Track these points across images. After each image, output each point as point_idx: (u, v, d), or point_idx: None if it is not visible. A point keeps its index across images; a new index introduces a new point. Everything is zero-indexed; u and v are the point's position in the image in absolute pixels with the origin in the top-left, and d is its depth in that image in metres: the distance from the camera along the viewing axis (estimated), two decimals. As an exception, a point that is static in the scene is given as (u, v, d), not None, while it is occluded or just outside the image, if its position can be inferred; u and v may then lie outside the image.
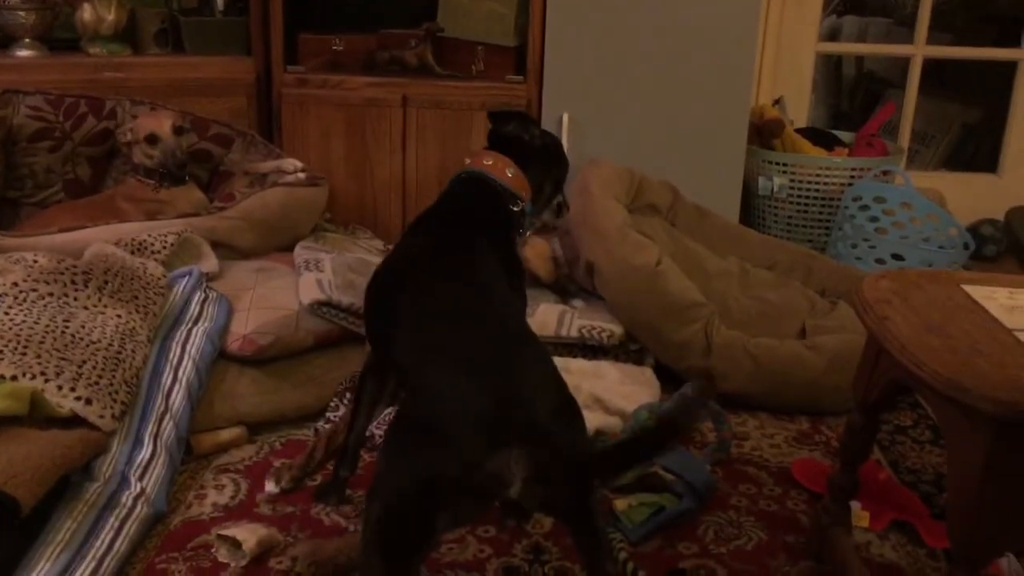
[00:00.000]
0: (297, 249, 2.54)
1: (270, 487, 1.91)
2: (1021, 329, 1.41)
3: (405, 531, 1.26)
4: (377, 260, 2.50)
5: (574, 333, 2.37)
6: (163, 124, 2.60)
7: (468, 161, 1.81)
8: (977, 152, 4.10)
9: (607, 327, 2.37)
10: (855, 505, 1.80)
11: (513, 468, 1.23)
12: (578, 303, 2.51)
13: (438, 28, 3.12)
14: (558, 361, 2.21)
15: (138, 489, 1.76)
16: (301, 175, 2.74)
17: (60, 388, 1.75)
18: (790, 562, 1.75)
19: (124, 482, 1.76)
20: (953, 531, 1.33)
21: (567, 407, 1.34)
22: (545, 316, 2.42)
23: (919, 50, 3.64)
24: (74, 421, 1.76)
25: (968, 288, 1.57)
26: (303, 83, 3.05)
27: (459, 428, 1.25)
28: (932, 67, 3.78)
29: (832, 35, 4.72)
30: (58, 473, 1.64)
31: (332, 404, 2.20)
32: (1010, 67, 3.67)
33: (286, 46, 3.07)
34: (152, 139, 2.59)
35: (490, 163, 1.78)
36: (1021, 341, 1.37)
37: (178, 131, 2.62)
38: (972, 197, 3.55)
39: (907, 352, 1.34)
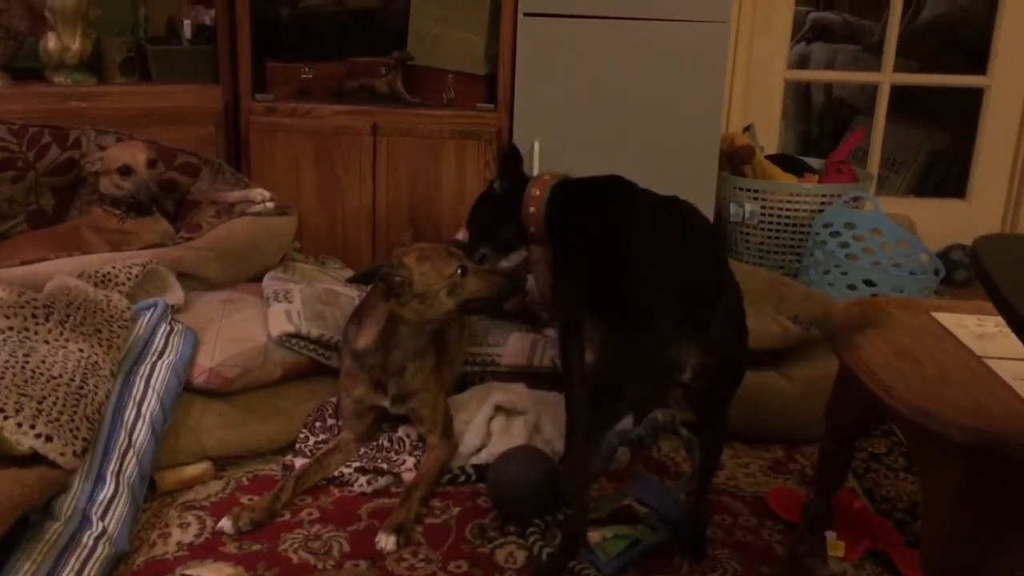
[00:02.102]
0: (265, 280, 2.51)
1: (227, 526, 1.86)
2: (991, 356, 1.41)
3: (607, 393, 1.67)
4: (348, 292, 2.49)
5: (547, 363, 2.35)
6: (137, 156, 2.57)
7: (547, 177, 2.19)
8: (945, 178, 4.14)
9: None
10: (830, 535, 1.78)
11: (689, 358, 1.58)
12: (551, 332, 2.49)
13: (408, 56, 3.11)
14: (529, 392, 2.20)
15: (100, 528, 1.71)
16: (269, 204, 2.71)
17: (20, 425, 1.70)
18: (765, 594, 1.73)
19: (85, 521, 1.71)
20: (927, 559, 1.31)
21: (740, 326, 1.68)
22: (517, 346, 2.40)
23: (886, 77, 3.68)
24: (34, 459, 1.71)
25: (938, 315, 1.57)
26: (272, 111, 3.03)
27: (658, 322, 1.61)
28: (900, 94, 3.82)
29: (801, 63, 4.76)
30: (17, 513, 1.59)
31: (301, 436, 2.17)
32: (976, 94, 3.71)
33: (255, 74, 3.05)
34: (125, 171, 2.55)
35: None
36: (991, 368, 1.37)
37: (151, 163, 2.59)
38: (941, 223, 3.58)
39: (877, 379, 1.34)
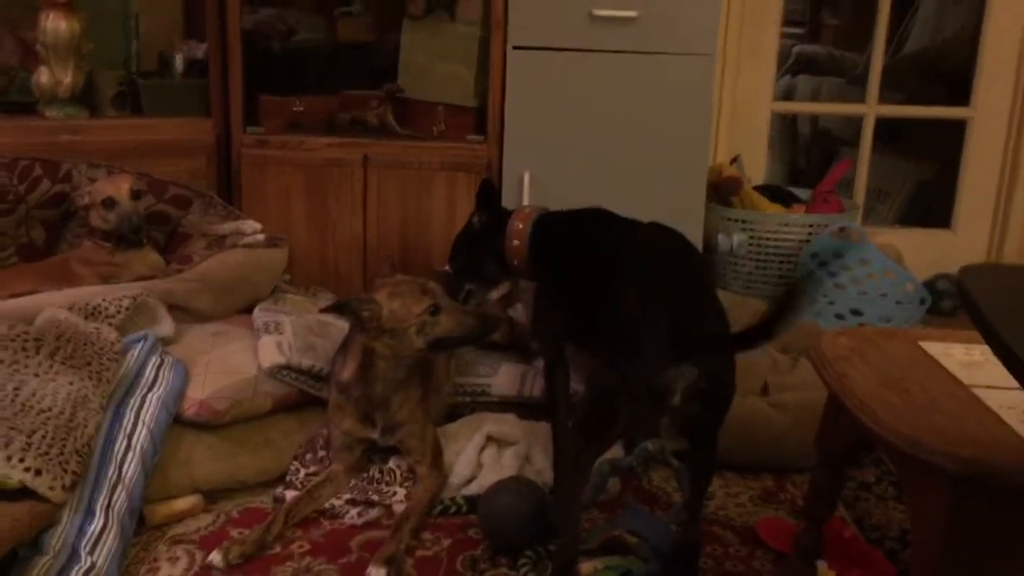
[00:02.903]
0: (256, 311, 2.51)
1: (217, 560, 1.85)
2: (978, 385, 1.42)
3: (598, 418, 1.70)
4: (338, 323, 2.48)
5: (537, 393, 2.36)
6: (120, 188, 2.58)
7: (529, 210, 2.22)
8: (931, 208, 4.18)
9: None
10: (821, 564, 1.78)
11: (679, 380, 1.61)
12: (541, 363, 2.50)
13: (398, 89, 3.14)
14: (520, 423, 2.20)
15: (88, 563, 1.70)
16: (260, 236, 2.72)
17: (9, 459, 1.70)
18: (757, 624, 1.73)
19: (74, 556, 1.70)
20: (918, 589, 1.32)
21: (728, 359, 1.70)
22: (508, 376, 2.41)
23: (871, 109, 3.72)
24: (23, 492, 1.70)
25: (925, 345, 1.58)
26: (263, 144, 3.05)
27: (647, 345, 1.63)
28: (885, 125, 3.86)
29: (787, 95, 4.81)
30: (6, 547, 1.59)
31: (292, 468, 2.16)
32: (960, 124, 3.75)
33: (246, 108, 3.07)
34: (109, 203, 2.56)
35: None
36: (978, 397, 1.38)
37: (135, 195, 2.59)
38: (927, 252, 3.60)
39: (866, 409, 1.35)
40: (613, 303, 1.79)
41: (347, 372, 2.05)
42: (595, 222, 2.12)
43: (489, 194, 2.30)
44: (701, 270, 1.95)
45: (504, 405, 2.38)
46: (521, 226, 2.18)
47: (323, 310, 2.03)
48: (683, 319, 1.66)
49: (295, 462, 2.17)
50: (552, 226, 2.18)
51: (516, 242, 2.17)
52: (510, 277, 2.33)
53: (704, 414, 1.70)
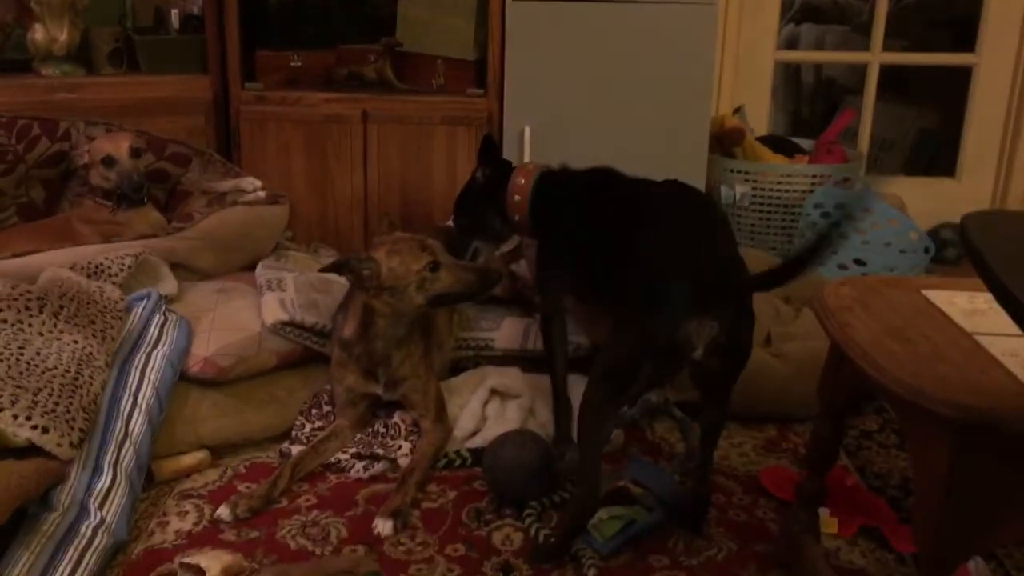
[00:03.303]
0: (258, 269, 2.51)
1: (224, 514, 1.87)
2: (981, 333, 1.42)
3: (622, 373, 1.67)
4: (340, 279, 2.48)
5: (541, 347, 2.36)
6: (119, 146, 2.56)
7: (532, 167, 2.20)
8: (935, 157, 4.15)
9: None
10: (823, 512, 1.80)
11: (700, 335, 1.60)
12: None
13: (397, 43, 3.11)
14: (523, 376, 2.21)
15: (98, 518, 1.72)
16: (261, 193, 2.71)
17: (16, 417, 1.71)
18: (760, 572, 1.75)
19: (83, 511, 1.72)
20: (920, 535, 1.33)
21: (748, 313, 1.69)
22: (511, 330, 2.41)
23: (875, 57, 3.68)
24: (30, 450, 1.72)
25: (928, 293, 1.58)
26: (261, 100, 3.03)
27: (670, 300, 1.62)
28: (889, 73, 3.82)
29: (790, 43, 4.76)
30: (14, 505, 1.60)
31: (298, 424, 2.18)
32: (965, 72, 3.72)
33: (243, 63, 3.05)
34: (108, 161, 2.55)
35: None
36: (981, 345, 1.38)
37: (135, 153, 2.58)
38: (931, 201, 3.58)
39: (868, 358, 1.34)
40: (632, 258, 1.77)
41: (348, 330, 2.05)
42: (605, 179, 2.10)
43: (491, 149, 2.28)
44: (719, 224, 1.92)
45: (507, 359, 2.38)
46: (523, 182, 2.17)
47: (322, 269, 2.03)
48: (704, 273, 1.64)
49: (300, 417, 2.19)
50: (558, 182, 2.17)
51: (517, 197, 2.16)
52: (513, 232, 2.32)
53: (723, 368, 1.71)
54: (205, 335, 2.17)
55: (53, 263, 2.23)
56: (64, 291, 2.07)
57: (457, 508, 1.94)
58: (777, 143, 3.41)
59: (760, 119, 3.64)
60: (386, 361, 2.08)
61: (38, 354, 1.88)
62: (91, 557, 1.65)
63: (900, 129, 4.21)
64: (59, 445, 1.73)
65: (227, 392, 2.14)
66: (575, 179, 2.16)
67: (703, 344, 1.62)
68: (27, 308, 1.99)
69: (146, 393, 1.99)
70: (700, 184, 2.99)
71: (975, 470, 1.23)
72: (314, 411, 2.20)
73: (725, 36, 3.55)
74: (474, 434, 2.15)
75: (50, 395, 1.78)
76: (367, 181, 3.04)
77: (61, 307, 2.02)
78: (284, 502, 1.94)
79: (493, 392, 2.24)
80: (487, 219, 2.26)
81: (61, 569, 1.60)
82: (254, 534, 1.83)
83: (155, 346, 2.09)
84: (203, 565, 1.64)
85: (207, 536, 1.82)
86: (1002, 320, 1.11)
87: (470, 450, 2.10)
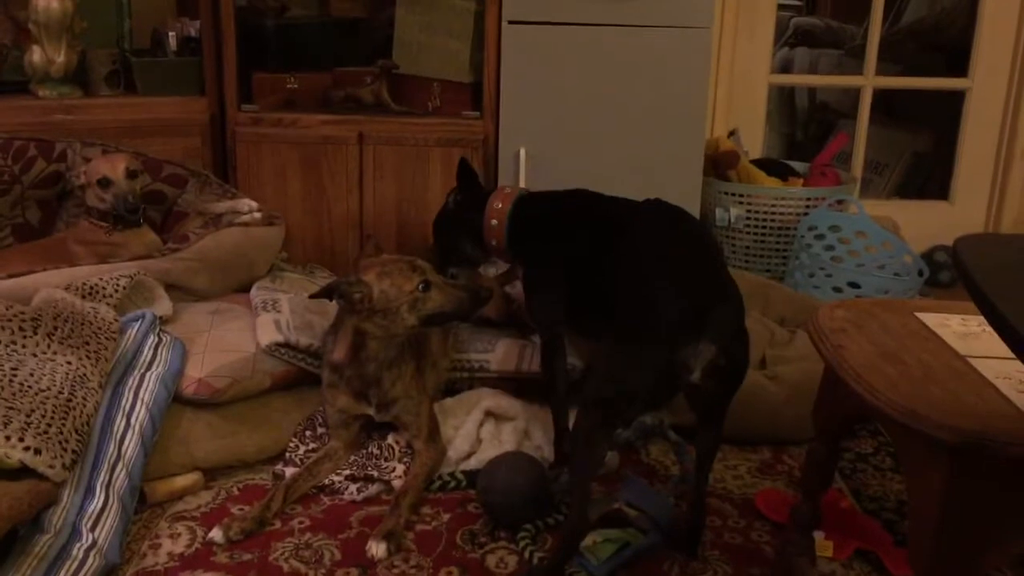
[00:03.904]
0: (253, 290, 2.51)
1: (217, 536, 1.86)
2: (975, 356, 1.42)
3: (617, 397, 1.64)
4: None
5: (536, 369, 2.36)
6: (116, 167, 2.57)
7: (509, 190, 2.18)
8: (929, 180, 4.17)
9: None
10: (819, 535, 1.79)
11: (698, 358, 1.59)
12: (539, 339, 2.50)
13: (393, 65, 3.12)
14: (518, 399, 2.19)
15: (90, 540, 1.71)
16: (257, 215, 2.71)
17: (8, 438, 1.70)
18: (755, 595, 1.74)
19: (75, 533, 1.71)
20: (915, 559, 1.32)
21: (743, 333, 1.68)
22: (506, 352, 2.41)
23: (869, 81, 3.71)
24: (23, 472, 1.70)
25: (922, 316, 1.58)
26: (258, 122, 3.03)
27: (666, 324, 1.60)
28: (883, 97, 3.85)
29: (785, 67, 4.79)
30: (6, 527, 1.59)
31: (291, 445, 2.17)
32: (958, 96, 3.74)
33: (240, 85, 3.05)
34: (104, 182, 2.55)
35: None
36: (975, 367, 1.38)
37: (131, 174, 2.58)
38: (925, 224, 3.60)
39: (862, 380, 1.35)
40: (623, 282, 1.76)
41: (338, 353, 2.05)
42: (586, 201, 2.08)
43: (467, 173, 2.27)
44: (708, 244, 1.92)
45: (503, 381, 2.38)
46: (500, 206, 2.15)
47: (312, 296, 2.02)
48: (698, 295, 1.64)
49: (294, 439, 2.18)
50: (537, 207, 2.14)
51: (495, 222, 2.14)
52: (489, 259, 2.31)
53: (719, 390, 1.70)
54: (199, 356, 2.17)
55: (48, 284, 2.23)
56: (58, 312, 2.06)
57: (451, 530, 1.93)
58: (771, 166, 3.42)
59: (754, 142, 3.66)
60: (377, 382, 2.07)
61: (31, 375, 1.87)
62: (83, 579, 1.64)
63: (893, 152, 4.23)
64: (51, 467, 1.72)
65: (221, 414, 2.13)
66: (555, 202, 2.13)
67: (700, 367, 1.60)
68: (21, 329, 1.99)
69: (139, 414, 1.98)
70: (695, 206, 3.01)
71: (970, 493, 1.23)
72: (308, 433, 2.20)
73: (719, 59, 3.58)
74: (469, 456, 2.15)
75: (43, 416, 1.77)
76: (363, 203, 3.05)
77: (55, 328, 2.02)
78: (277, 524, 1.93)
79: (488, 414, 2.23)
80: (459, 244, 2.25)
81: (53, 591, 1.59)
82: (247, 556, 1.82)
83: (149, 367, 2.09)
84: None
85: (200, 558, 1.81)
86: (995, 343, 1.12)
87: (465, 472, 2.10)
